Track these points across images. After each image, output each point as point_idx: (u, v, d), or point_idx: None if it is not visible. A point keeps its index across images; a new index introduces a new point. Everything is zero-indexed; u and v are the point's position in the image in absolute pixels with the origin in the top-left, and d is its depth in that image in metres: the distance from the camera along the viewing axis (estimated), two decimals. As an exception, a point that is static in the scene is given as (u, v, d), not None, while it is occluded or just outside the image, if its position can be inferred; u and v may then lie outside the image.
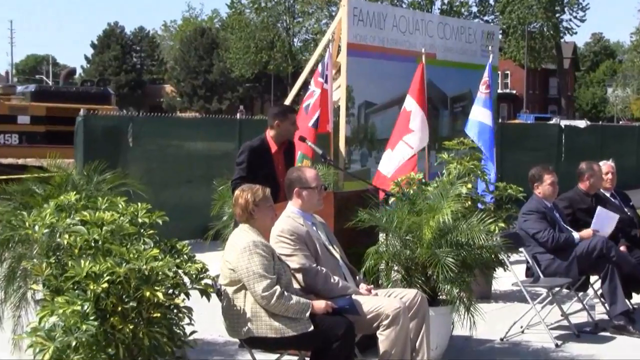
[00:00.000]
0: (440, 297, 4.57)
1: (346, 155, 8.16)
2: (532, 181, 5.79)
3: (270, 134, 5.23)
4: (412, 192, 5.02)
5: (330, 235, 4.28)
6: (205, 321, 3.94)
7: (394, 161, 7.00)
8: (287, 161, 5.22)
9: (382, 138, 8.66)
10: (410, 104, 7.23)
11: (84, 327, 2.95)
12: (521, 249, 5.57)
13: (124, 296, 3.16)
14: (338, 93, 8.30)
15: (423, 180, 5.62)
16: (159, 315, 3.19)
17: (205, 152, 9.88)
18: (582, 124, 20.23)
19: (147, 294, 3.12)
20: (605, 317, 5.59)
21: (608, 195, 6.25)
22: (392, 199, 4.98)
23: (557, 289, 5.45)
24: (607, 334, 5.41)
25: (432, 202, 4.65)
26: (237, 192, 3.88)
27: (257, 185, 3.88)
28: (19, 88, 15.23)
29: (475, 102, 8.04)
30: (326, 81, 7.44)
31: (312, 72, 7.87)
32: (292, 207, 4.16)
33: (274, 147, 5.20)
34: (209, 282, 3.52)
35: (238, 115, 10.48)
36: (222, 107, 46.73)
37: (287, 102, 8.97)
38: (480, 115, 7.80)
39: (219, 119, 11.14)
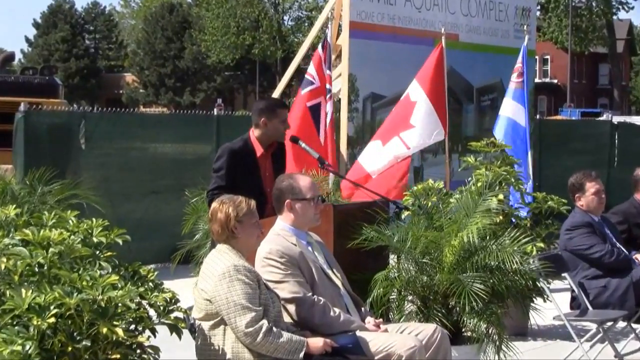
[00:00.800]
0: (465, 333, 4.58)
1: (348, 159, 8.21)
2: (573, 191, 5.82)
3: (255, 133, 5.26)
4: (430, 204, 5.05)
5: (330, 257, 4.30)
6: (175, 364, 3.95)
7: (383, 159, 6.97)
8: (275, 167, 5.24)
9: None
10: (417, 93, 7.17)
11: (26, 371, 2.96)
12: (565, 275, 5.59)
13: (75, 333, 3.16)
14: (338, 83, 8.36)
15: (444, 190, 5.65)
16: (118, 356, 3.19)
17: (175, 157, 9.92)
18: (639, 120, 20.31)
19: (104, 330, 3.13)
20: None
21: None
22: (405, 213, 5.01)
23: (609, 323, 5.47)
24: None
25: (454, 217, 4.67)
26: (214, 205, 3.91)
27: (239, 196, 3.90)
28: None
29: (506, 95, 8.08)
30: (330, 69, 7.52)
31: (308, 58, 7.93)
32: (283, 223, 4.19)
33: (259, 150, 5.23)
34: (180, 315, 3.52)
35: (215, 111, 10.50)
36: (196, 101, 46.75)
37: (276, 94, 9.03)
38: (511, 111, 7.84)
39: (192, 115, 11.19)
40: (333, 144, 7.54)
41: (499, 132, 7.70)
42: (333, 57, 8.13)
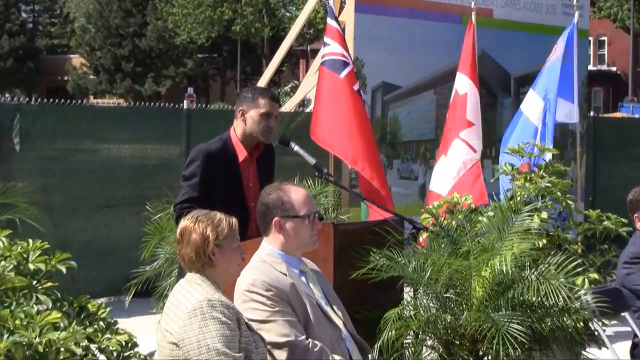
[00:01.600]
0: (499, 388, 4.59)
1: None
2: (632, 210, 5.84)
3: (236, 132, 5.27)
4: (455, 224, 5.05)
5: (329, 290, 4.31)
6: None
7: (452, 170, 7.08)
8: (262, 175, 5.26)
9: (410, 140, 8.73)
10: (464, 85, 7.30)
11: None
12: (625, 314, 5.59)
13: (5, 385, 3.16)
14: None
15: (472, 206, 5.66)
16: (59, 414, 3.19)
17: (134, 161, 9.93)
18: None
19: (42, 381, 3.13)
20: None
21: None
22: (424, 235, 5.02)
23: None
24: None
25: (485, 241, 4.68)
26: (185, 222, 3.89)
27: (217, 213, 3.89)
28: None
29: (539, 80, 8.04)
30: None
31: (303, 38, 7.94)
32: (270, 247, 4.19)
33: (242, 154, 5.24)
34: (139, 363, 3.52)
35: (185, 103, 10.52)
36: (161, 91, 46.79)
37: (262, 82, 9.04)
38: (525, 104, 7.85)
39: (156, 108, 11.19)
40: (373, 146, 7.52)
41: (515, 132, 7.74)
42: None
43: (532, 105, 7.83)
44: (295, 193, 4.21)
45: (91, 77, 49.35)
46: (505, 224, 4.81)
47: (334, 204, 7.03)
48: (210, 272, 3.82)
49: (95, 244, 9.18)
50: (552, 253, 5.19)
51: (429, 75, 8.44)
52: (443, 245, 4.75)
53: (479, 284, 4.52)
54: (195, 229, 3.81)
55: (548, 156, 6.79)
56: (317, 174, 5.38)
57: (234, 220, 3.87)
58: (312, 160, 5.36)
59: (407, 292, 4.88)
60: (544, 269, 4.64)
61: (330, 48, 7.59)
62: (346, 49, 7.58)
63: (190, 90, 40.72)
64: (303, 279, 4.19)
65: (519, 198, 5.62)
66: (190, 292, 3.78)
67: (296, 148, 5.44)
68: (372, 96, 8.57)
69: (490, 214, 5.27)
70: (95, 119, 10.18)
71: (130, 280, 7.39)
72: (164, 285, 6.78)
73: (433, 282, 4.58)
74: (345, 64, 7.52)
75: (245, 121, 5.20)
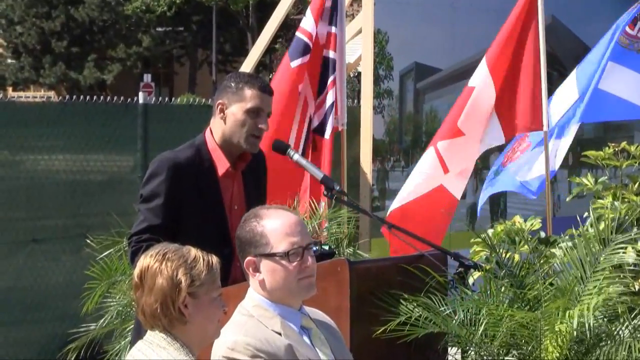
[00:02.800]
0: None
1: (375, 179, 8.25)
2: None
3: (214, 134, 5.31)
4: (518, 259, 5.07)
5: (343, 353, 4.32)
6: None
7: (411, 181, 7.05)
8: (250, 195, 5.31)
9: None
10: (479, 75, 7.24)
11: None
12: None
13: None
14: (356, 47, 8.43)
15: (541, 234, 5.68)
16: None
17: (70, 177, 9.96)
18: None
19: None
20: None
21: None
22: (475, 275, 5.04)
23: None
24: None
25: (561, 282, 4.70)
26: (146, 261, 3.87)
27: (191, 248, 3.89)
28: None
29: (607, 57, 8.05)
30: (333, 23, 7.49)
31: (302, 2, 7.97)
32: (257, 296, 4.19)
33: (222, 165, 5.29)
34: None
35: (141, 96, 10.55)
36: (106, 79, 46.86)
37: (247, 67, 9.08)
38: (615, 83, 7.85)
39: (100, 104, 11.22)
40: (330, 155, 7.47)
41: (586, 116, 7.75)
42: (347, 1, 8.19)
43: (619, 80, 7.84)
44: (274, 221, 4.16)
45: (9, 61, 49.39)
46: (588, 259, 4.82)
47: (349, 233, 7.05)
48: (180, 330, 3.80)
49: (18, 293, 9.20)
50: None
51: (477, 54, 8.43)
52: (502, 290, 4.77)
53: (553, 342, 4.54)
54: (161, 270, 3.78)
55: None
56: (325, 192, 5.40)
57: (214, 260, 3.85)
58: (318, 174, 5.38)
59: (453, 355, 4.89)
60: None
61: (305, 23, 7.60)
62: (317, 23, 7.53)
63: (147, 77, 40.73)
64: (305, 338, 4.18)
65: (603, 224, 5.59)
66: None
67: (296, 157, 5.47)
68: (401, 83, 8.61)
69: (568, 243, 5.30)
70: (14, 120, 10.13)
71: (69, 343, 7.41)
72: (116, 349, 6.80)
73: (489, 340, 4.60)
74: (305, 49, 7.50)
75: (225, 120, 5.24)
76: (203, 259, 3.82)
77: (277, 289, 4.12)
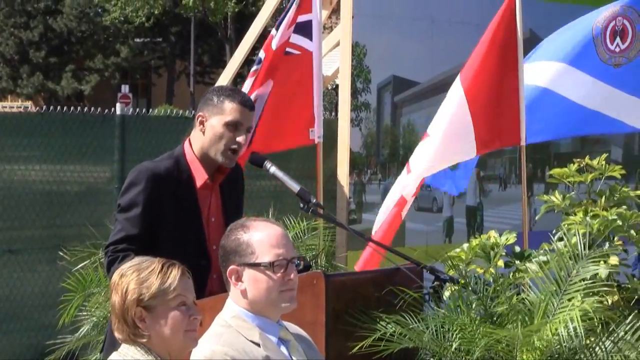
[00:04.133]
0: None
1: (352, 192, 8.25)
2: None
3: (193, 146, 5.32)
4: (492, 274, 5.08)
5: (319, 366, 4.33)
6: None
7: (386, 202, 7.05)
8: (228, 208, 5.32)
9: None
10: (455, 88, 7.24)
11: None
12: None
13: None
14: (334, 59, 8.43)
15: (516, 249, 5.69)
16: None
17: (46, 188, 9.93)
18: None
19: None
20: None
21: None
22: (448, 290, 5.05)
23: None
24: None
25: (535, 297, 4.70)
26: (114, 275, 3.89)
27: (154, 261, 3.84)
28: None
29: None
30: (300, 32, 7.44)
31: (280, 14, 7.97)
32: (236, 308, 4.20)
33: (200, 177, 5.29)
34: None
35: (118, 107, 10.54)
36: (84, 90, 46.79)
37: (225, 79, 9.06)
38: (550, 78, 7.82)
39: (78, 114, 11.19)
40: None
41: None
42: (325, 12, 8.18)
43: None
44: (260, 232, 4.19)
45: (-15, 70, 49.30)
46: (562, 274, 4.83)
47: (326, 247, 7.04)
48: (148, 342, 3.79)
49: (-7, 304, 9.19)
50: (626, 313, 5.22)
51: (456, 67, 8.43)
52: (475, 304, 4.77)
53: (529, 357, 4.55)
54: (116, 287, 3.80)
55: None
56: (301, 205, 5.40)
57: (176, 272, 3.82)
58: (295, 187, 5.38)
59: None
60: (617, 336, 4.66)
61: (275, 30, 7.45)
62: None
63: (125, 88, 40.66)
64: (283, 349, 4.19)
65: (574, 239, 5.56)
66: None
67: (273, 169, 5.47)
68: (378, 96, 8.58)
69: (542, 258, 5.31)
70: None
71: (46, 355, 7.39)
72: (92, 361, 6.79)
73: (463, 355, 4.61)
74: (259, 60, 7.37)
75: (204, 132, 5.25)
76: (160, 272, 3.81)
77: (258, 299, 4.13)
